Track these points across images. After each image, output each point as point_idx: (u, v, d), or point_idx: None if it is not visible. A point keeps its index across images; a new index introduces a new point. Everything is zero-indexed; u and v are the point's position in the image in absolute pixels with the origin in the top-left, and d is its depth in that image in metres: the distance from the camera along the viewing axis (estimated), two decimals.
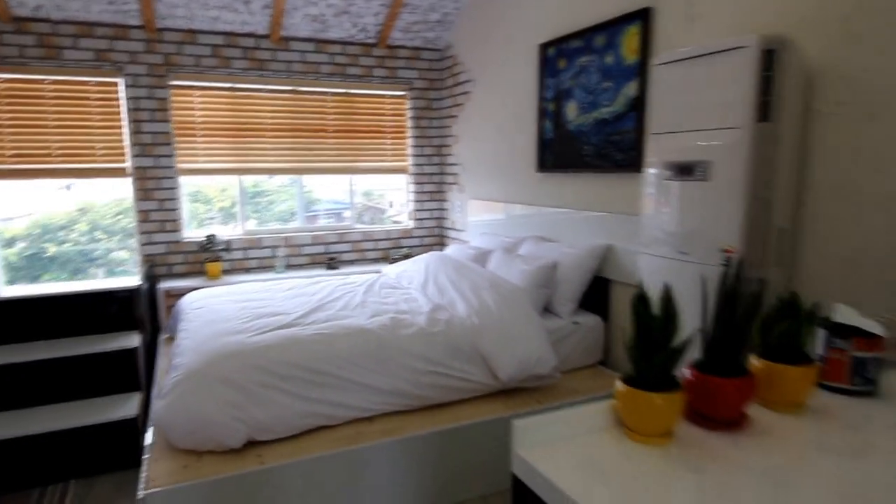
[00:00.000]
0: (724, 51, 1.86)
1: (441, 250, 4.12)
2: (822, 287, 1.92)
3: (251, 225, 4.35)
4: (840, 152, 1.85)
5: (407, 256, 4.27)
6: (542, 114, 3.29)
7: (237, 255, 4.17)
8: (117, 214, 4.23)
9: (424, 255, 3.48)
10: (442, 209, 4.82)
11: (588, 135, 2.94)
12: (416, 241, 4.76)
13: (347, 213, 4.64)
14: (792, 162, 1.92)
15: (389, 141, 4.61)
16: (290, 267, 4.30)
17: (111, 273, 4.14)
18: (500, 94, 3.81)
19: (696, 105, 2.00)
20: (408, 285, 3.26)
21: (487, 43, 3.91)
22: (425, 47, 4.56)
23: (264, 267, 4.25)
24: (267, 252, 4.26)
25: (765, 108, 1.80)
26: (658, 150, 2.15)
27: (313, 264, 4.41)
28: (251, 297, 3.08)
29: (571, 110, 3.06)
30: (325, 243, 4.44)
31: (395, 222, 4.85)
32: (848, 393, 1.20)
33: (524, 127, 3.52)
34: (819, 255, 1.93)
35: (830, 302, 1.46)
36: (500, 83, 3.80)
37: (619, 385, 1.01)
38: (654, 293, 1.02)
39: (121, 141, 3.78)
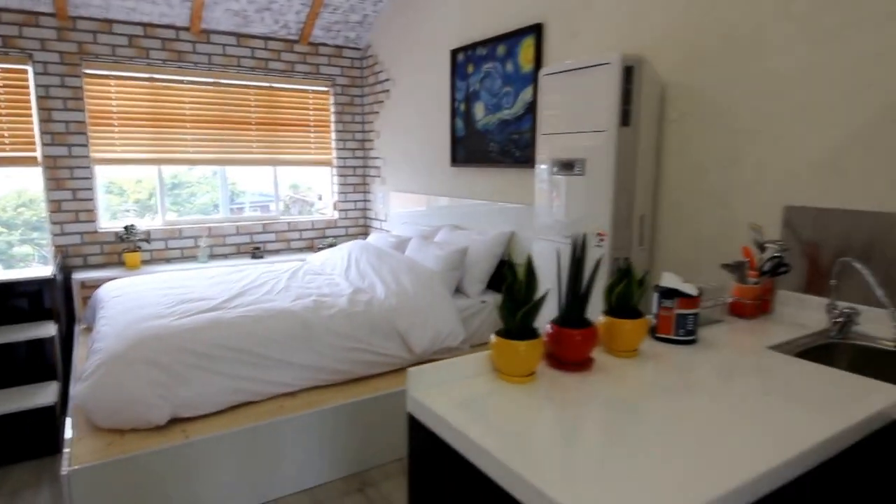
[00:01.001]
0: (594, 65, 2.20)
1: (364, 239, 4.32)
2: (674, 261, 2.32)
3: (171, 217, 4.35)
4: (683, 153, 2.25)
5: (332, 246, 4.44)
6: (455, 113, 3.58)
7: (158, 245, 4.18)
8: (19, 207, 4.09)
9: (347, 244, 3.68)
10: (366, 200, 5.02)
11: (493, 133, 3.25)
12: (341, 231, 4.93)
13: (274, 205, 4.73)
14: (650, 160, 2.30)
15: (313, 134, 4.75)
16: (213, 257, 4.35)
17: (9, 268, 4.01)
18: (417, 93, 4.06)
19: (574, 110, 2.34)
20: (331, 272, 3.45)
21: (405, 45, 4.15)
22: (347, 46, 4.73)
23: (186, 257, 4.28)
24: (189, 242, 4.28)
25: (626, 115, 2.16)
26: (546, 149, 2.48)
27: (238, 254, 4.48)
28: (173, 285, 3.15)
29: (479, 111, 3.36)
30: (249, 233, 4.52)
31: (322, 213, 4.99)
32: (674, 342, 1.55)
33: (439, 124, 3.79)
34: (672, 236, 2.32)
35: (684, 272, 1.83)
36: (416, 83, 4.05)
37: (493, 337, 1.29)
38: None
39: (31, 129, 3.69)
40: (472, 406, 1.16)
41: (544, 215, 2.54)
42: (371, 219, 4.97)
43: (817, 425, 1.07)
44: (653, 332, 1.57)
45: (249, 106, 4.42)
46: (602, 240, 2.28)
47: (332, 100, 4.75)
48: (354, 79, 4.81)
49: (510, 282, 1.26)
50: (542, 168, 2.52)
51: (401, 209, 4.42)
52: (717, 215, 2.15)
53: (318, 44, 4.59)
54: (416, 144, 4.13)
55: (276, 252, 4.63)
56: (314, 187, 5.09)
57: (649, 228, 2.37)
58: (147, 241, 4.10)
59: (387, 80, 4.44)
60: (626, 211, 2.26)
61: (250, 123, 4.45)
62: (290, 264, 3.70)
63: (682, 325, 1.53)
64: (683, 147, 2.24)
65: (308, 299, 2.76)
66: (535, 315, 1.27)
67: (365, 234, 5.02)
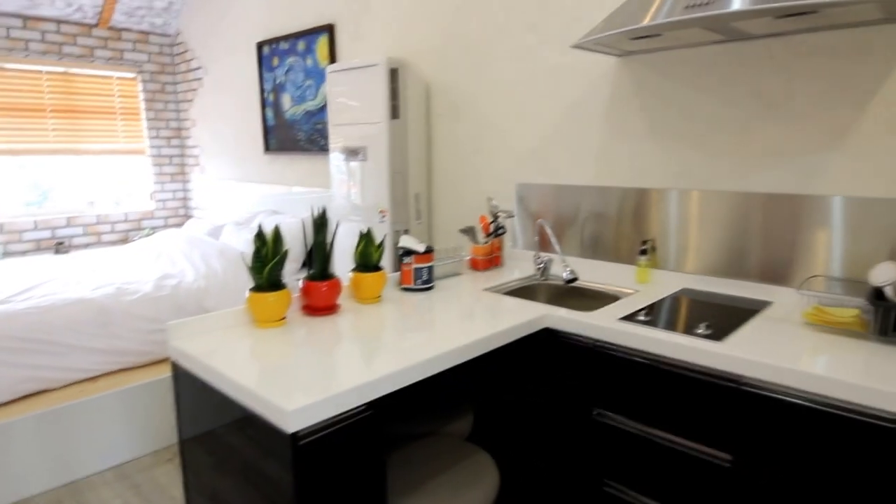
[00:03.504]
0: (367, 66, 2.54)
1: (180, 228, 4.30)
2: (447, 231, 2.77)
3: None
4: (448, 142, 2.69)
5: (149, 237, 4.34)
6: (264, 103, 3.74)
7: None
8: None
9: (160, 233, 3.68)
10: (186, 190, 4.94)
11: (300, 123, 3.48)
12: (159, 222, 4.81)
13: (85, 197, 4.47)
14: (422, 149, 2.72)
15: (121, 123, 4.56)
16: (7, 254, 4.03)
17: None
18: (229, 82, 4.13)
19: (356, 104, 2.67)
20: (140, 260, 3.44)
21: (215, 34, 4.18)
22: (154, 32, 4.60)
23: None
24: None
25: (395, 109, 2.53)
26: (337, 138, 2.79)
27: (39, 250, 4.19)
28: None
29: (287, 102, 3.56)
30: (51, 228, 4.25)
31: (139, 204, 4.81)
32: (414, 290, 1.94)
33: (251, 114, 3.92)
34: (444, 210, 2.77)
35: (455, 240, 2.25)
36: (228, 72, 4.11)
37: (247, 293, 1.55)
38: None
39: None
40: (231, 350, 1.40)
41: (339, 197, 2.85)
42: (192, 208, 4.91)
43: (490, 327, 1.49)
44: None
45: (42, 92, 4.14)
46: (384, 216, 2.64)
47: (140, 87, 4.60)
48: (165, 66, 4.70)
49: (258, 246, 1.54)
50: (335, 155, 2.82)
51: (218, 196, 4.46)
52: (474, 192, 2.62)
53: (121, 28, 4.41)
54: (232, 133, 4.20)
55: (85, 246, 4.40)
56: (131, 177, 4.88)
57: (426, 205, 2.79)
58: None
59: (198, 68, 4.43)
60: (402, 191, 2.65)
61: (44, 111, 4.16)
62: (96, 257, 3.61)
63: (419, 276, 1.93)
64: (448, 137, 2.68)
65: (110, 287, 2.78)
66: (279, 271, 1.56)
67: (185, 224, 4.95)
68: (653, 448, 1.51)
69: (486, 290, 1.97)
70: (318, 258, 1.65)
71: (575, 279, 1.95)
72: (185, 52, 4.56)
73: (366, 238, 1.80)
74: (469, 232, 2.23)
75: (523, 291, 2.08)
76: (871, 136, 1.58)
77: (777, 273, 1.76)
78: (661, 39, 1.70)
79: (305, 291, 1.65)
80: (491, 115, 2.49)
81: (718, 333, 1.43)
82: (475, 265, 2.24)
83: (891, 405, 1.12)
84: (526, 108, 2.36)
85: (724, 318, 1.57)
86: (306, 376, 1.21)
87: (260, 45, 3.66)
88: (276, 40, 3.53)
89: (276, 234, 1.57)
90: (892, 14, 1.40)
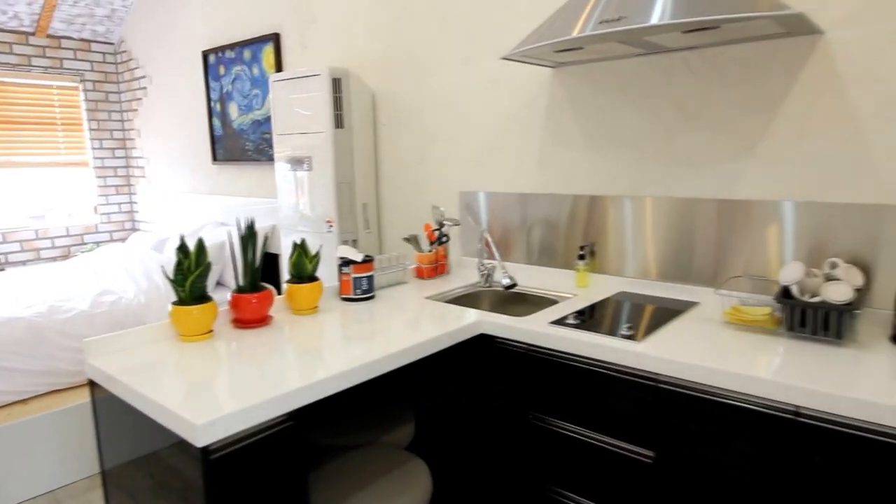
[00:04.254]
0: (310, 76, 2.54)
1: (124, 242, 4.18)
2: (396, 241, 2.77)
3: None
4: (393, 151, 2.70)
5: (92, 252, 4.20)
6: (211, 113, 3.68)
7: None
8: None
9: (101, 249, 3.56)
10: (132, 202, 4.81)
11: (248, 132, 3.44)
12: (104, 237, 4.66)
13: (23, 211, 4.30)
14: (369, 158, 2.72)
15: (62, 133, 4.42)
16: None
17: None
18: (175, 91, 4.05)
19: (300, 113, 2.65)
20: (78, 277, 3.32)
21: (160, 42, 4.10)
22: (96, 40, 4.48)
23: None
24: None
25: (339, 119, 2.53)
26: (282, 147, 2.77)
27: None
28: None
29: (234, 111, 3.52)
30: None
31: (82, 218, 4.66)
32: (354, 300, 1.94)
33: (198, 123, 3.85)
34: (393, 219, 2.77)
35: (404, 248, 2.25)
36: (174, 81, 4.04)
37: (170, 306, 1.52)
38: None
39: None
40: (153, 366, 1.37)
41: (285, 207, 2.82)
42: (138, 221, 4.78)
43: (424, 334, 1.49)
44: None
45: None
46: (331, 226, 2.63)
47: (82, 96, 4.46)
48: (108, 74, 4.58)
49: (180, 259, 1.51)
50: (280, 165, 2.80)
51: (165, 208, 4.36)
52: (420, 201, 2.64)
53: (60, 36, 4.28)
54: (179, 143, 4.12)
55: (23, 264, 4.23)
56: (70, 191, 4.73)
57: (374, 214, 2.79)
58: None
59: (143, 76, 4.33)
60: (349, 200, 2.64)
61: None
62: (34, 274, 3.47)
63: (359, 285, 1.92)
64: (393, 146, 2.69)
65: (42, 305, 2.68)
66: (201, 284, 1.53)
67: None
68: (585, 448, 1.54)
69: (428, 297, 1.98)
70: (246, 270, 1.63)
71: (514, 285, 1.97)
72: (130, 60, 4.45)
73: (300, 248, 1.79)
74: (413, 240, 2.24)
75: (466, 299, 2.10)
76: (779, 144, 1.66)
77: (706, 275, 1.83)
78: (584, 52, 1.76)
79: (234, 304, 1.63)
80: (435, 124, 2.51)
81: (640, 334, 1.48)
82: (420, 273, 2.25)
83: (790, 398, 1.17)
84: (468, 118, 2.39)
85: (651, 319, 1.62)
86: (224, 389, 1.20)
87: (205, 54, 3.61)
88: (222, 49, 3.48)
89: (200, 245, 1.55)
90: (791, 28, 1.48)
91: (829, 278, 1.47)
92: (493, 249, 2.07)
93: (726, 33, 1.52)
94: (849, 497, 1.14)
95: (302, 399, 1.21)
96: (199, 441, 1.05)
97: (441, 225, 2.29)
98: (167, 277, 1.52)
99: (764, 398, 1.22)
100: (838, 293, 1.37)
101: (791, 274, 1.44)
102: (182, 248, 1.52)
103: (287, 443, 1.21)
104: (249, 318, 1.64)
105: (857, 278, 1.46)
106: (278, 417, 1.19)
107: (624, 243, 2.00)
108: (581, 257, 2.04)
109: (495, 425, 1.75)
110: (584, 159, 2.08)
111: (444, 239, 2.24)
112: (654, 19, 1.40)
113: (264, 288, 1.66)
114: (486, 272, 2.18)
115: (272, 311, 1.78)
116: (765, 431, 1.23)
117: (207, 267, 1.52)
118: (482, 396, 1.76)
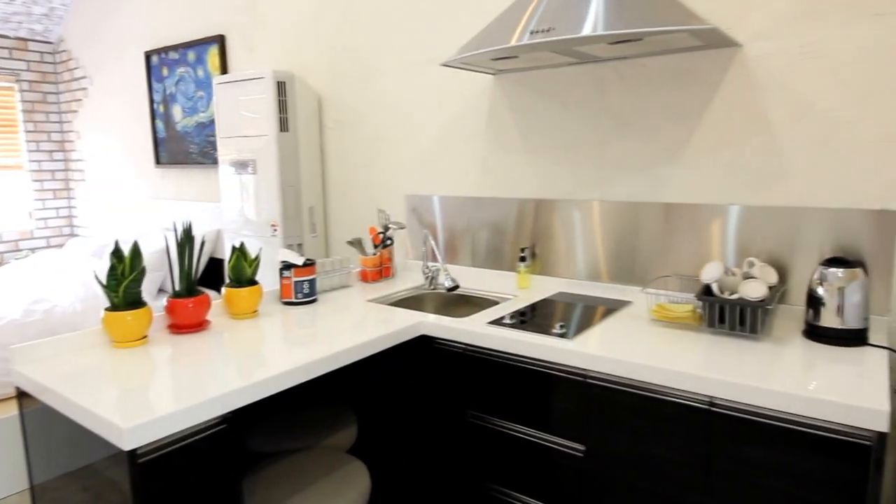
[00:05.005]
0: (254, 79, 2.52)
1: (62, 248, 4.02)
2: (343, 245, 2.77)
3: None
4: (340, 154, 2.71)
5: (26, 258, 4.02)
6: (154, 115, 3.59)
7: None
8: None
9: (35, 255, 3.42)
10: (70, 207, 4.63)
11: (192, 135, 3.38)
12: (40, 243, 4.46)
13: None
14: (315, 162, 2.71)
15: None
16: None
17: None
18: (117, 93, 3.93)
19: (244, 116, 2.63)
20: (11, 285, 3.18)
21: (101, 42, 3.97)
22: (33, 39, 4.30)
23: None
24: None
25: (284, 122, 2.52)
26: (226, 150, 2.73)
27: None
28: None
29: (178, 113, 3.44)
30: None
31: (17, 224, 4.45)
32: (295, 303, 1.93)
33: (141, 125, 3.75)
34: (340, 223, 2.77)
35: (349, 252, 2.24)
36: (115, 82, 3.92)
37: (103, 312, 1.49)
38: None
39: None
40: (85, 373, 1.33)
41: (230, 211, 2.78)
42: (77, 226, 4.61)
43: (363, 336, 1.50)
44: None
45: None
46: (276, 230, 2.61)
47: (18, 97, 4.28)
48: (46, 74, 4.40)
49: (114, 263, 1.48)
50: (224, 168, 2.76)
51: (107, 212, 4.22)
52: (368, 204, 2.65)
53: None
54: (121, 145, 3.99)
55: None
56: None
57: (321, 218, 2.78)
58: None
59: (83, 77, 4.18)
60: (294, 204, 2.63)
61: None
62: None
63: (300, 289, 1.92)
64: (340, 149, 2.70)
65: None
66: (136, 289, 1.50)
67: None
68: (520, 445, 1.58)
69: (371, 300, 1.99)
70: (183, 275, 1.61)
71: (456, 287, 2.01)
72: (69, 60, 4.30)
73: (239, 252, 1.77)
74: (356, 244, 2.25)
75: (410, 301, 2.12)
76: (703, 150, 1.76)
77: (639, 275, 1.91)
78: (521, 60, 1.81)
79: (170, 309, 1.60)
80: (381, 128, 2.53)
81: (571, 332, 1.53)
82: (365, 277, 2.26)
83: (705, 389, 1.24)
84: (414, 122, 2.42)
85: (585, 317, 1.68)
86: (155, 394, 1.18)
87: (148, 55, 3.52)
88: (165, 50, 3.41)
89: (135, 250, 1.52)
90: (709, 42, 1.57)
91: (746, 276, 1.56)
92: (437, 252, 2.10)
93: (650, 45, 1.60)
94: (761, 481, 1.22)
95: (236, 401, 1.21)
96: (127, 445, 1.03)
97: (386, 228, 2.31)
98: (99, 283, 1.48)
99: (682, 390, 1.29)
100: (754, 290, 1.46)
101: (711, 273, 1.53)
102: (116, 253, 1.49)
103: (220, 446, 1.20)
104: (186, 324, 1.62)
105: (772, 276, 1.55)
106: (211, 420, 1.18)
107: (564, 245, 2.07)
108: (522, 259, 2.10)
109: (435, 425, 1.77)
110: (525, 164, 2.14)
111: (388, 242, 2.26)
112: (582, 31, 1.46)
113: (201, 292, 1.64)
114: (430, 275, 2.21)
115: (210, 316, 1.75)
116: (684, 422, 1.30)
117: (142, 272, 1.50)
118: (423, 397, 1.79)
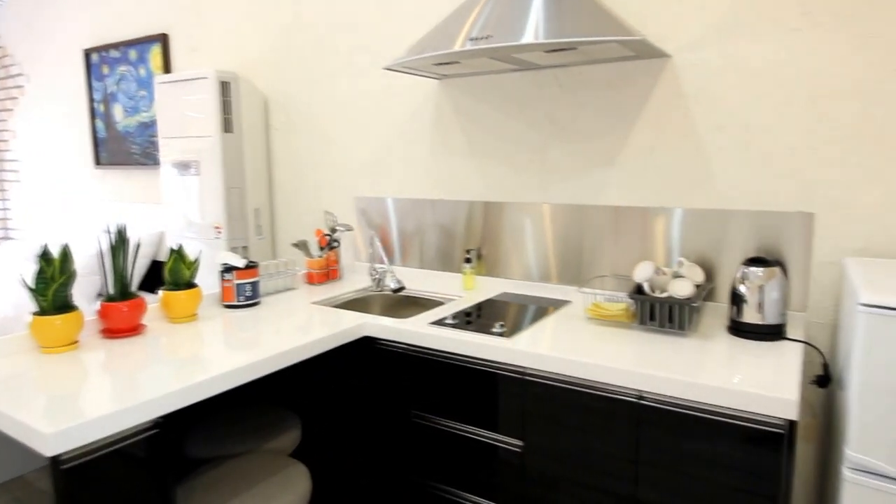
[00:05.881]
0: (196, 79, 2.47)
1: None
2: (289, 246, 2.74)
3: None
4: (288, 156, 2.68)
5: None
6: (94, 114, 3.46)
7: None
8: None
9: None
10: (4, 209, 4.40)
11: (134, 135, 3.28)
12: None
13: None
14: (261, 163, 2.68)
15: None
16: None
17: None
18: (55, 91, 3.77)
19: (186, 117, 2.57)
20: None
21: (38, 39, 3.81)
22: None
23: None
24: None
25: (228, 123, 2.48)
26: (168, 151, 2.66)
27: None
28: None
29: (119, 113, 3.33)
30: None
31: None
32: (237, 306, 1.90)
33: (80, 124, 3.61)
34: (287, 225, 2.75)
35: (297, 255, 2.21)
36: (54, 80, 3.76)
37: (28, 317, 1.43)
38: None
39: None
40: (9, 383, 1.28)
41: (174, 213, 2.71)
42: (11, 229, 4.39)
43: (305, 337, 1.50)
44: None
45: None
46: (219, 232, 2.56)
47: None
48: None
49: (42, 266, 1.43)
50: (167, 169, 2.69)
51: (44, 214, 4.03)
52: (316, 206, 2.63)
53: None
54: (59, 145, 3.83)
55: None
56: None
57: (267, 220, 2.74)
58: None
59: (19, 74, 3.99)
60: (239, 206, 2.59)
61: None
62: None
63: (242, 292, 1.89)
64: (288, 151, 2.67)
65: None
66: (65, 293, 1.45)
67: None
68: (462, 443, 1.61)
69: (316, 303, 1.98)
70: (116, 278, 1.56)
71: (402, 288, 2.02)
72: (4, 57, 4.09)
73: (176, 254, 1.74)
74: (302, 246, 2.23)
75: (356, 303, 2.12)
76: (637, 155, 1.83)
77: (579, 275, 1.97)
78: (463, 66, 1.85)
79: (103, 313, 1.56)
80: (329, 129, 2.52)
81: (511, 331, 1.57)
82: (311, 279, 2.25)
83: (635, 383, 1.30)
84: (362, 124, 2.42)
85: (525, 317, 1.72)
86: (83, 399, 1.15)
87: (88, 53, 3.39)
88: (106, 48, 3.29)
89: (65, 253, 1.47)
90: (640, 52, 1.65)
91: (676, 276, 1.64)
92: (383, 254, 2.11)
93: (585, 54, 1.66)
94: (687, 469, 1.28)
95: (169, 405, 1.19)
96: (49, 451, 1.00)
97: (333, 230, 2.30)
98: (26, 286, 1.43)
99: (613, 385, 1.34)
100: (682, 289, 1.53)
101: (643, 272, 1.59)
102: (44, 256, 1.43)
103: (153, 451, 1.18)
104: (120, 328, 1.57)
105: (699, 275, 1.64)
106: (142, 425, 1.16)
107: (509, 247, 2.11)
108: (467, 261, 2.13)
109: (379, 425, 1.78)
110: (471, 167, 2.17)
111: (334, 244, 2.25)
112: (519, 39, 1.50)
113: (136, 296, 1.60)
114: (377, 277, 2.21)
115: (147, 320, 1.71)
116: (614, 415, 1.35)
117: (72, 275, 1.45)
118: (367, 398, 1.79)
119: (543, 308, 1.83)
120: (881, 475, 1.14)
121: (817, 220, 1.59)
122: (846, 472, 1.17)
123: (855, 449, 1.16)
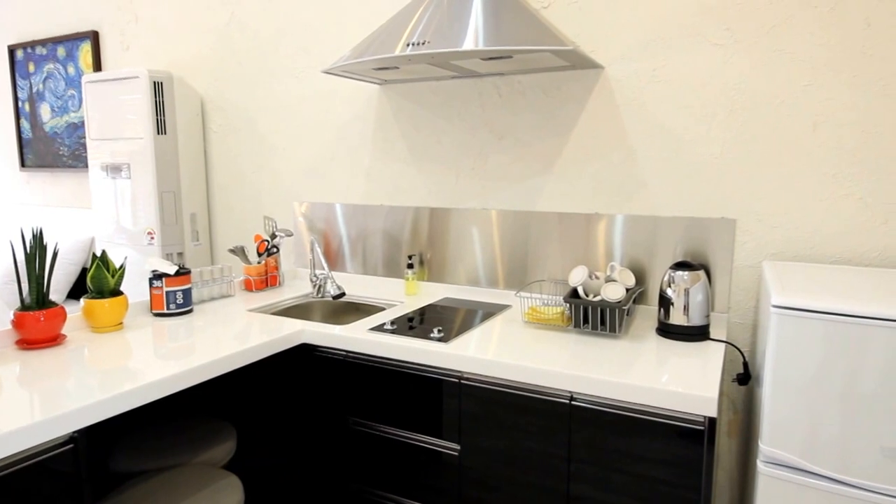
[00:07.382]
0: (127, 78, 2.38)
1: None
2: (225, 251, 2.66)
3: None
4: (227, 160, 2.61)
5: None
6: (19, 113, 3.27)
7: None
8: None
9: None
10: None
11: (62, 136, 3.11)
12: None
13: None
14: (198, 167, 2.60)
15: None
16: None
17: None
18: None
19: (116, 118, 2.47)
20: None
21: None
22: None
23: None
24: None
25: (161, 125, 2.40)
26: (98, 153, 2.54)
27: None
28: None
29: (46, 112, 3.16)
30: None
31: None
32: (167, 315, 1.83)
33: (4, 124, 3.40)
34: (226, 230, 2.67)
35: (235, 261, 2.13)
36: None
37: None
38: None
39: None
40: None
41: (104, 218, 2.59)
42: None
43: (239, 345, 1.45)
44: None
45: None
46: (152, 238, 2.46)
47: None
48: None
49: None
50: (95, 172, 2.57)
51: None
52: (256, 211, 2.57)
53: None
54: None
55: None
56: None
57: (205, 225, 2.66)
58: None
59: None
60: (173, 211, 2.50)
61: None
62: None
63: (173, 299, 1.83)
64: (227, 154, 2.60)
65: None
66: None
67: None
68: (401, 448, 1.60)
69: (253, 310, 1.93)
70: (32, 286, 1.48)
71: (342, 294, 2.00)
72: None
73: (99, 261, 1.66)
74: (239, 252, 2.17)
75: (296, 310, 2.08)
76: (572, 163, 1.89)
77: (519, 280, 2.00)
78: (403, 72, 1.86)
79: (18, 324, 1.47)
80: (270, 133, 2.47)
81: (449, 336, 1.58)
82: (249, 286, 2.19)
83: (567, 385, 1.33)
84: (303, 129, 2.39)
85: (465, 321, 1.74)
86: None
87: (12, 49, 3.21)
88: (32, 44, 3.12)
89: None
90: (574, 62, 1.70)
91: (608, 280, 1.69)
92: (323, 260, 2.08)
93: (521, 63, 1.70)
94: (616, 465, 1.32)
95: (86, 418, 1.13)
96: None
97: (273, 236, 2.26)
98: None
99: (547, 387, 1.37)
100: (613, 293, 1.58)
101: (577, 277, 1.64)
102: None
103: (69, 466, 1.11)
104: (37, 339, 1.49)
105: (630, 279, 1.69)
106: (58, 439, 1.10)
107: (451, 252, 2.12)
108: (410, 266, 2.13)
109: (317, 433, 1.75)
110: (412, 173, 2.18)
111: (273, 250, 2.21)
112: (457, 46, 1.52)
113: (55, 304, 1.51)
114: (318, 283, 2.18)
115: (68, 330, 1.62)
116: (548, 416, 1.38)
117: None
118: (304, 406, 1.76)
119: (484, 313, 1.85)
120: (793, 467, 1.20)
121: (739, 225, 1.68)
122: (760, 465, 1.24)
123: (768, 443, 1.22)
